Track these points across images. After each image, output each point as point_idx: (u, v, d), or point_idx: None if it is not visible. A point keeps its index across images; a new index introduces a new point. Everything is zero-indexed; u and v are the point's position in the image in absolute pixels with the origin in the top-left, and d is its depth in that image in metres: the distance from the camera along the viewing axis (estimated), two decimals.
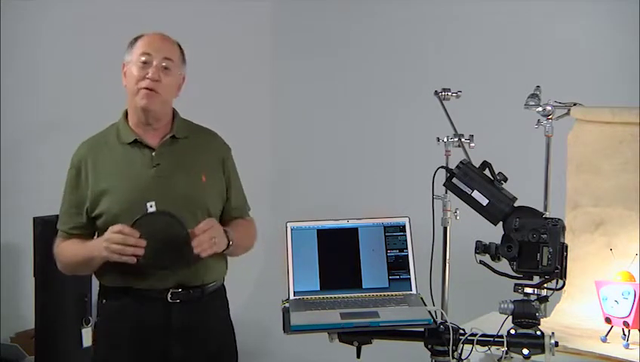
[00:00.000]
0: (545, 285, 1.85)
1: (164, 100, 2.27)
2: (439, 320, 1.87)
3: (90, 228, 2.26)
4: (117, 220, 2.15)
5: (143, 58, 2.21)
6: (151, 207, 2.14)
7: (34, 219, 3.62)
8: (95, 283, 3.52)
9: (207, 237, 2.13)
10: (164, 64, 2.23)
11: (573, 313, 2.61)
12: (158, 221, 2.13)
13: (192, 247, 2.11)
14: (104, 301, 2.29)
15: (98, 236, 2.23)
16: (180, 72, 2.30)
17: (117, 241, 2.08)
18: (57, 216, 3.49)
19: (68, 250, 2.27)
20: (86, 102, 4.19)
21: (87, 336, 3.64)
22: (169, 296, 2.20)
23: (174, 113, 2.35)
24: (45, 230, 3.56)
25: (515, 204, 1.88)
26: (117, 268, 2.18)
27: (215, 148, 2.40)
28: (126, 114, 2.32)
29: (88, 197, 2.23)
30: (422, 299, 2.01)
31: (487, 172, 1.91)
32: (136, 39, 2.29)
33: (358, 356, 1.90)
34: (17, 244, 3.97)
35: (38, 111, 4.13)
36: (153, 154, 2.25)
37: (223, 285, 2.39)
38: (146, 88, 2.20)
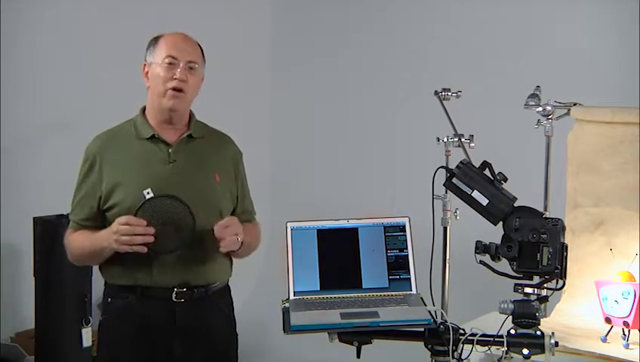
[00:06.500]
0: (545, 285, 1.85)
1: (190, 100, 2.31)
2: (439, 320, 1.87)
3: (101, 221, 2.27)
4: (130, 213, 2.17)
5: (168, 60, 2.24)
6: (148, 193, 2.17)
7: (34, 219, 3.63)
8: (95, 283, 3.56)
9: (230, 232, 2.19)
10: (189, 65, 2.26)
11: (573, 313, 2.61)
12: (159, 205, 2.16)
13: (195, 224, 2.16)
14: (109, 299, 2.30)
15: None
16: (202, 72, 2.33)
17: (125, 232, 2.11)
18: (57, 216, 3.54)
19: (77, 241, 2.28)
20: (86, 102, 4.19)
21: (87, 336, 3.64)
22: (174, 295, 2.22)
23: (191, 113, 2.38)
24: (45, 230, 3.57)
25: (515, 204, 1.88)
26: (123, 265, 2.21)
27: (229, 151, 2.44)
28: (143, 110, 2.34)
29: (102, 189, 2.24)
30: (422, 299, 2.01)
31: (487, 172, 1.91)
32: (156, 39, 2.30)
33: (358, 356, 1.90)
34: (17, 244, 3.97)
35: (38, 111, 4.13)
36: (170, 150, 2.28)
37: (227, 285, 2.40)
38: (174, 89, 2.23)
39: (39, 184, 4.06)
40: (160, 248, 2.16)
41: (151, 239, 2.12)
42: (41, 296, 3.60)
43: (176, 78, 2.23)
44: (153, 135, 2.28)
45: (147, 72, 2.29)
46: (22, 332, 3.94)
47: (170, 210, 2.16)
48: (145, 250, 2.12)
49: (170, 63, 2.24)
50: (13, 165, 4.04)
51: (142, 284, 2.22)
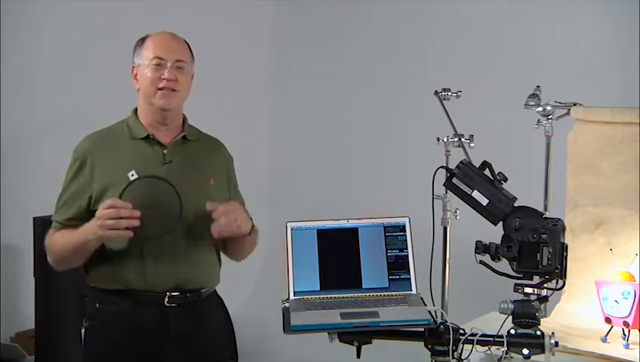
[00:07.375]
0: (545, 285, 1.85)
1: (182, 98, 2.27)
2: (439, 320, 1.87)
3: (86, 221, 2.19)
4: None
5: (156, 61, 2.20)
6: (132, 175, 2.11)
7: (34, 219, 3.62)
8: None
9: (231, 218, 2.13)
10: (177, 65, 2.22)
11: (573, 313, 2.61)
12: (144, 187, 2.10)
13: (182, 205, 2.10)
14: (98, 305, 2.26)
15: None
16: (191, 70, 2.29)
17: (110, 216, 2.03)
18: None
19: (60, 240, 2.24)
20: (86, 102, 4.19)
21: None
22: (166, 299, 2.18)
23: (184, 117, 2.35)
24: (45, 230, 3.53)
25: (515, 204, 1.88)
26: (114, 268, 2.17)
27: (222, 155, 2.41)
28: (135, 111, 2.30)
29: (93, 188, 2.20)
30: (422, 299, 2.01)
31: (487, 172, 1.91)
32: (143, 40, 2.26)
33: (358, 356, 1.90)
34: (17, 244, 3.98)
35: (38, 111, 4.14)
36: (165, 151, 2.24)
37: (215, 291, 2.36)
38: (165, 88, 2.20)
39: (39, 184, 4.04)
40: (146, 232, 2.07)
41: (137, 222, 2.04)
42: (41, 296, 3.60)
43: (164, 79, 2.19)
44: (148, 135, 2.24)
45: (136, 74, 2.26)
46: (22, 332, 3.94)
47: (155, 192, 2.09)
48: (131, 234, 2.04)
49: (157, 64, 2.20)
50: (13, 165, 4.04)
51: (134, 288, 2.17)
